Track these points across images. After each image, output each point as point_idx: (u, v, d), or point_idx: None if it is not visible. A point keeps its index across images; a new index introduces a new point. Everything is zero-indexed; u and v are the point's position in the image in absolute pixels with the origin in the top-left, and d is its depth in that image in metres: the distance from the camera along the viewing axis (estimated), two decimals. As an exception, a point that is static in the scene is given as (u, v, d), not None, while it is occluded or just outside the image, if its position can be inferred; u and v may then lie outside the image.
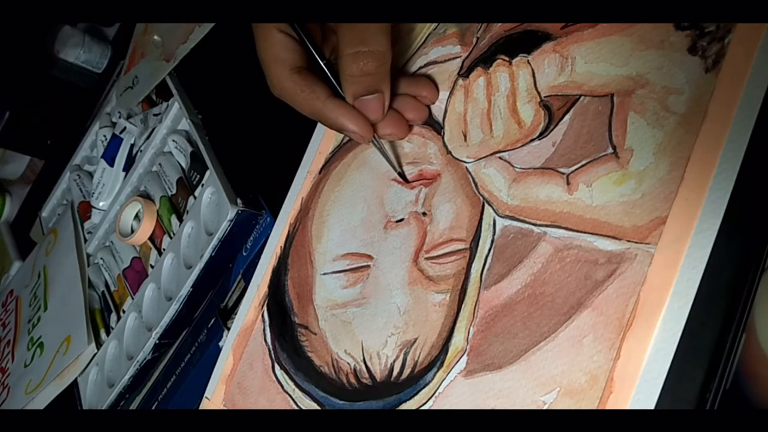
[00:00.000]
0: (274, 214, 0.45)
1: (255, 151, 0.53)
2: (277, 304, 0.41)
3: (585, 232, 0.28)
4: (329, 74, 0.35)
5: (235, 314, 0.46)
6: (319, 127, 0.44)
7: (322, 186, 0.42)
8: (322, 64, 0.35)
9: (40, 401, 0.58)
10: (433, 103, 0.37)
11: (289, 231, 0.43)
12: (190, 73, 0.62)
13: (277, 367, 0.39)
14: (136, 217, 0.59)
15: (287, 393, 0.38)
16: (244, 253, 0.49)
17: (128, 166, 0.65)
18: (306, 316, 0.39)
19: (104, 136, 0.69)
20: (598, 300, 0.27)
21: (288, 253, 0.42)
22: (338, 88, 0.35)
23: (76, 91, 0.83)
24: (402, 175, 0.37)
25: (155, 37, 0.66)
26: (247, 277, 0.47)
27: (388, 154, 0.37)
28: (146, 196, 0.59)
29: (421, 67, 0.39)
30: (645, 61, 0.29)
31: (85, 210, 0.69)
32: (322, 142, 0.43)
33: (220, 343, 0.47)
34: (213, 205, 0.51)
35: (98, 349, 0.58)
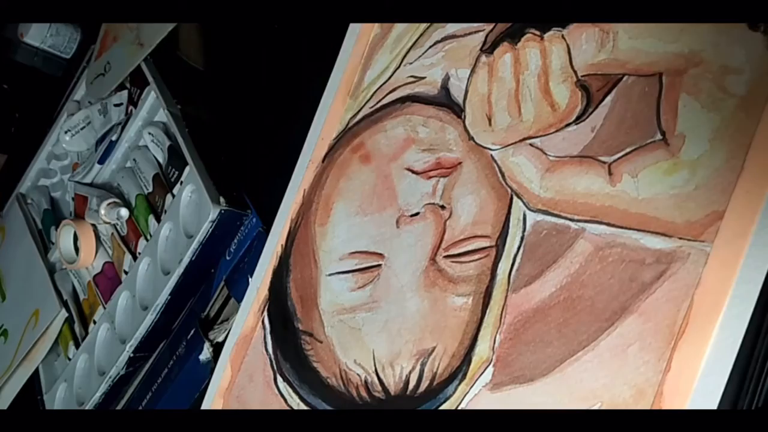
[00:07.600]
0: (261, 213, 0.44)
1: (239, 145, 0.53)
2: (279, 309, 0.41)
3: (630, 229, 0.28)
4: None
5: (218, 325, 0.46)
6: (321, 111, 0.43)
7: (326, 176, 0.41)
8: None
9: (9, 389, 0.60)
10: None
11: (290, 228, 0.42)
12: (168, 58, 0.61)
13: (279, 378, 0.39)
14: (76, 238, 0.59)
15: (291, 408, 0.38)
16: (228, 258, 0.48)
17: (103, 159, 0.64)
18: (310, 321, 0.39)
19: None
20: (645, 304, 0.27)
21: (290, 253, 0.42)
22: None
23: (43, 78, 0.82)
24: None
25: (129, 20, 0.65)
26: (231, 284, 0.46)
27: None
28: (120, 195, 0.58)
29: (437, 42, 0.38)
30: (698, 37, 0.28)
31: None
32: (324, 127, 0.43)
33: (201, 357, 0.47)
34: (193, 205, 0.50)
35: (68, 361, 0.57)
